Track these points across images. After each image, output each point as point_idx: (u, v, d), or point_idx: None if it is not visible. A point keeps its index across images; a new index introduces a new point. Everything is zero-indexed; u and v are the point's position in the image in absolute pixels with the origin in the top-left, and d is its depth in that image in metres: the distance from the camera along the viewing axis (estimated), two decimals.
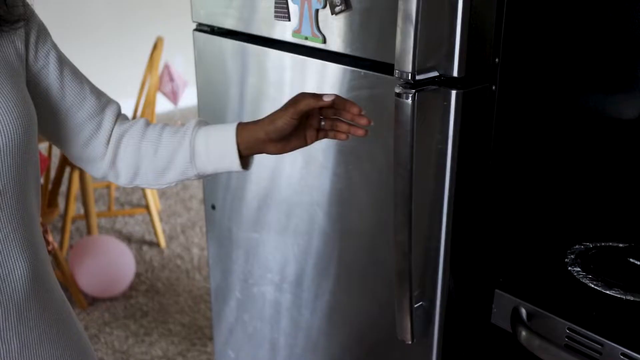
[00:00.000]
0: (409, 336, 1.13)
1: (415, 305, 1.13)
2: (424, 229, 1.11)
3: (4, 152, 0.86)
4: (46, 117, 0.99)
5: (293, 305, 1.47)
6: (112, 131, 1.05)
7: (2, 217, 0.88)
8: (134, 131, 1.06)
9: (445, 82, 1.02)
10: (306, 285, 1.42)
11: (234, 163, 1.03)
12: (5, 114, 0.86)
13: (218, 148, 1.03)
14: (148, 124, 1.08)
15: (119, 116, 1.07)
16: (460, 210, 1.08)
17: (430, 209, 1.09)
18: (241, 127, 1.03)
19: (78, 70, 1.03)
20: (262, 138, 1.00)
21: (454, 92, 1.01)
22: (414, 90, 0.97)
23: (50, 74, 0.97)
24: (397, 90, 0.98)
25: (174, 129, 1.07)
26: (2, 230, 0.88)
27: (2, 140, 0.86)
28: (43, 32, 0.98)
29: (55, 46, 1.00)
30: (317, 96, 0.96)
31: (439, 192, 1.07)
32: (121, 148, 1.06)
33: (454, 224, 1.08)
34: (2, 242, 0.88)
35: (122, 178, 1.08)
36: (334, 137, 1.01)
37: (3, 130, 0.86)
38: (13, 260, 0.89)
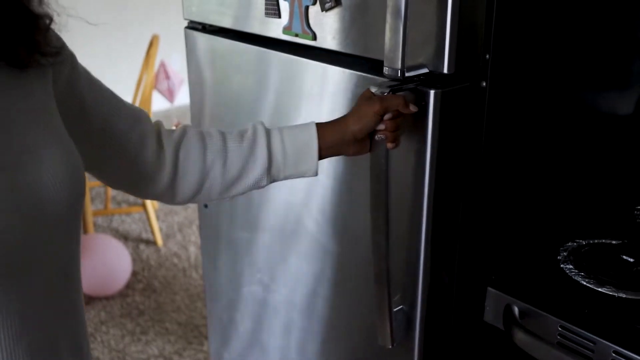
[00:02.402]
0: (388, 341, 1.10)
1: (396, 309, 1.11)
2: (404, 231, 1.09)
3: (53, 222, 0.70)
4: (84, 141, 0.84)
5: (280, 307, 1.46)
6: (158, 139, 0.93)
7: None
8: (189, 143, 0.95)
9: (436, 78, 1.01)
10: (291, 286, 1.41)
11: (312, 168, 0.97)
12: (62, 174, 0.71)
13: (297, 153, 0.96)
14: (200, 132, 0.97)
15: (158, 124, 0.96)
16: (441, 212, 1.06)
17: (410, 210, 1.07)
18: (320, 128, 0.97)
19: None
20: (348, 139, 0.96)
21: (432, 92, 0.99)
22: (388, 89, 0.96)
23: (77, 93, 0.84)
24: (373, 90, 0.96)
25: (236, 135, 0.97)
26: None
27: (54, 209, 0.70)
28: (71, 58, 0.85)
29: (77, 62, 0.88)
30: (405, 100, 0.95)
31: (419, 194, 1.05)
32: (180, 164, 0.94)
33: (434, 226, 1.06)
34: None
35: (180, 196, 0.96)
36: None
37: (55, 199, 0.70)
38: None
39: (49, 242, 0.71)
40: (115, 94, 0.91)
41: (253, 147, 0.96)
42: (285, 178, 0.99)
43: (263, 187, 0.99)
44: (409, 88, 0.99)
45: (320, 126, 0.97)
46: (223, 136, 0.97)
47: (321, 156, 0.98)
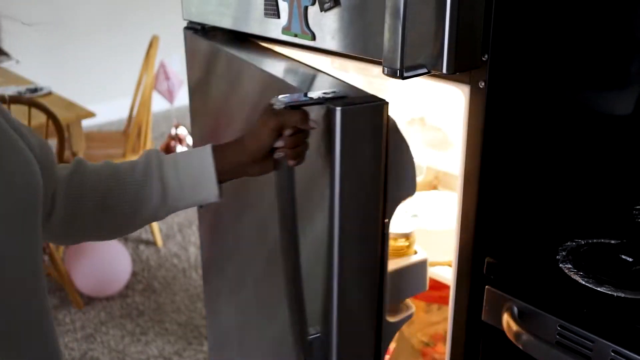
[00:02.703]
0: None
1: (312, 337, 1.07)
2: (317, 255, 1.03)
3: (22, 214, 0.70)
4: None
5: (246, 315, 1.44)
6: (56, 175, 0.87)
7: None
8: (80, 184, 0.89)
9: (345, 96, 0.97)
10: (240, 296, 1.39)
11: (213, 194, 0.93)
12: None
13: (193, 180, 0.92)
14: (90, 169, 0.91)
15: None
16: (357, 233, 1.01)
17: (321, 231, 1.01)
18: (217, 151, 0.92)
19: None
20: (248, 159, 0.92)
21: (338, 109, 0.93)
22: (285, 105, 0.92)
23: None
24: (277, 106, 0.93)
25: (127, 168, 0.92)
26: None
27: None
28: None
29: None
30: (302, 116, 0.90)
31: (330, 218, 0.98)
32: (71, 206, 0.88)
33: (347, 248, 1.00)
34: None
35: (74, 237, 0.92)
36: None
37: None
38: None
39: (11, 239, 0.70)
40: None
41: (145, 180, 0.91)
42: (187, 206, 0.95)
43: (162, 218, 0.95)
44: (309, 104, 0.94)
45: (216, 149, 0.93)
46: (114, 171, 0.92)
47: (222, 179, 0.94)
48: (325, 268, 1.01)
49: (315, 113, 0.95)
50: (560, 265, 1.07)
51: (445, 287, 1.56)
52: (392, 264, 1.23)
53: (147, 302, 2.84)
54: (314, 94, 0.97)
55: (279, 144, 0.93)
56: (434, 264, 1.49)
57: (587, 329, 0.96)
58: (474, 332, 1.15)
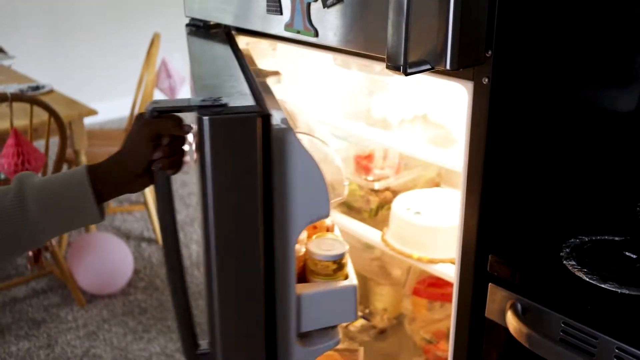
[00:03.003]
0: None
1: (200, 351, 1.03)
2: (201, 268, 1.01)
3: None
4: None
5: None
6: None
7: None
8: None
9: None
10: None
11: (93, 216, 0.89)
12: None
13: (70, 204, 0.88)
14: None
15: None
16: (230, 253, 0.96)
17: (204, 248, 0.97)
18: (94, 172, 0.88)
19: None
20: (126, 177, 0.89)
21: (206, 119, 0.87)
22: (156, 113, 0.90)
23: None
24: (147, 113, 0.90)
25: None
26: None
27: None
28: None
29: None
30: (175, 122, 0.86)
31: (207, 232, 0.94)
32: None
33: (222, 268, 0.96)
34: None
35: None
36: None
37: None
38: None
39: None
40: None
41: (18, 208, 0.86)
42: (69, 229, 0.92)
43: (43, 244, 0.91)
44: (181, 110, 0.90)
45: (93, 170, 0.90)
46: None
47: (102, 200, 0.90)
48: (206, 283, 0.96)
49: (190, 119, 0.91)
50: (564, 262, 1.07)
51: (448, 284, 1.56)
52: (308, 287, 1.13)
53: (149, 299, 2.84)
54: (193, 99, 0.91)
55: (158, 155, 0.89)
56: (437, 261, 1.49)
57: (591, 325, 0.96)
58: (477, 330, 1.15)
